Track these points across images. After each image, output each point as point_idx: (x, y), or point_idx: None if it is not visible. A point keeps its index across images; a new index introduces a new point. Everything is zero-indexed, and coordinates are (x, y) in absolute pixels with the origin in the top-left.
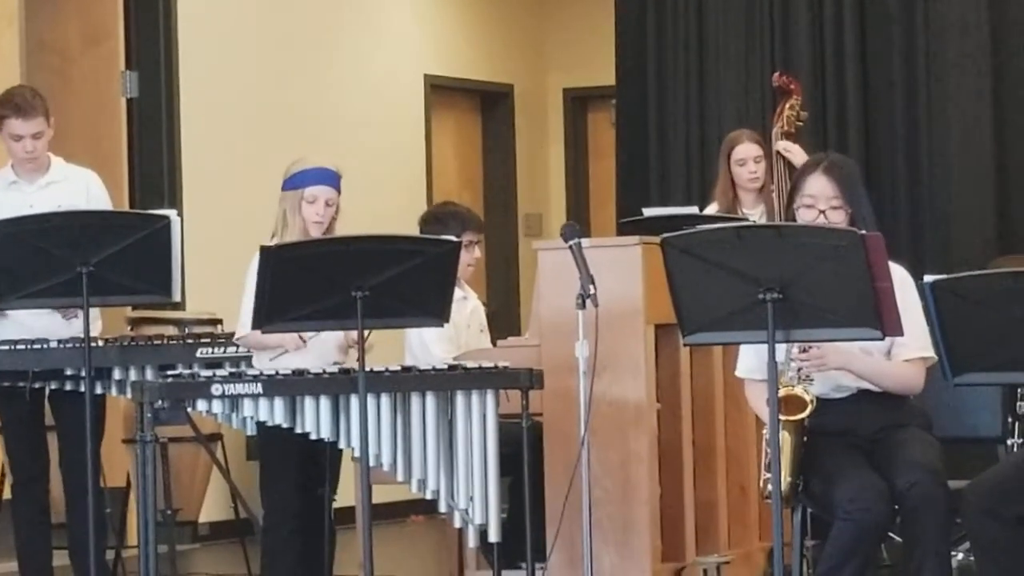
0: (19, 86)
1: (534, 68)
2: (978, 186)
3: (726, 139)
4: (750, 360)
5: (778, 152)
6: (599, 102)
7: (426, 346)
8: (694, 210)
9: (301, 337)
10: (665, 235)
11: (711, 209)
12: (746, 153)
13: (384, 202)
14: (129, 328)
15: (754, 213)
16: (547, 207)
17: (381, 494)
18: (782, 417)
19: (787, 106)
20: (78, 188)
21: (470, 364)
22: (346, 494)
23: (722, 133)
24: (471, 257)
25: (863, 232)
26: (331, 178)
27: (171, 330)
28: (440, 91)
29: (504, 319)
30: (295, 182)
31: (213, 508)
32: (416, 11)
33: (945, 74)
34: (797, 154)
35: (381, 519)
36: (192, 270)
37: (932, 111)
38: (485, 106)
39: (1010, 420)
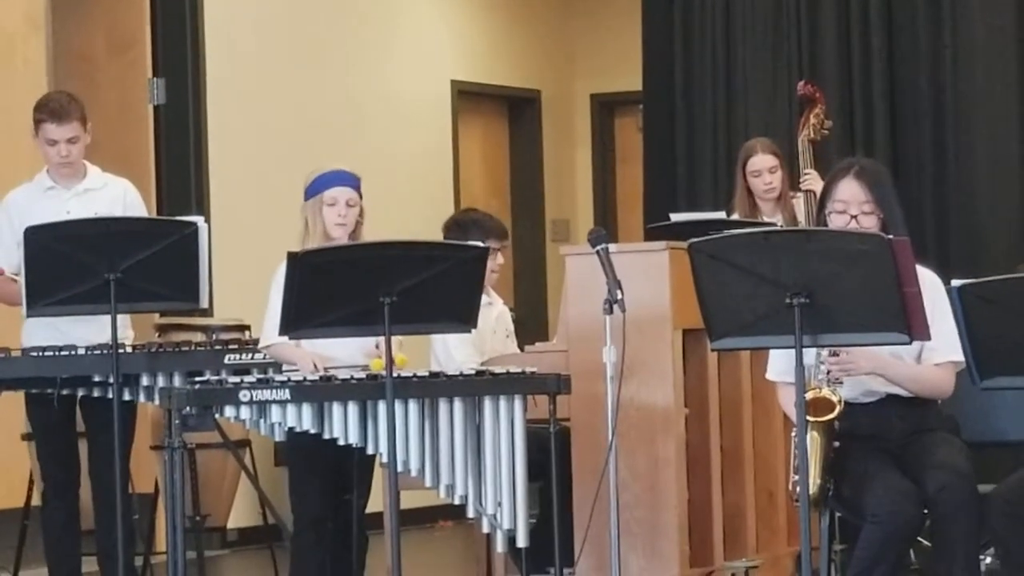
0: (56, 91)
1: (561, 74)
2: (1006, 190)
3: (741, 149)
4: (781, 363)
5: (806, 191)
6: (626, 107)
7: (448, 351)
8: (721, 215)
9: (315, 364)
10: (692, 240)
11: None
12: (761, 164)
13: (411, 208)
14: (157, 334)
15: (773, 222)
16: (574, 212)
17: (410, 499)
18: (810, 419)
19: (812, 114)
20: (115, 196)
21: (497, 369)
22: (375, 500)
23: (749, 138)
24: (494, 264)
25: (890, 236)
26: (350, 179)
27: (199, 336)
28: (467, 97)
29: (532, 325)
30: (314, 188)
31: (242, 514)
32: (443, 17)
33: (972, 79)
34: (815, 180)
35: (410, 524)
36: (220, 276)
37: (959, 116)
38: (512, 112)
39: None
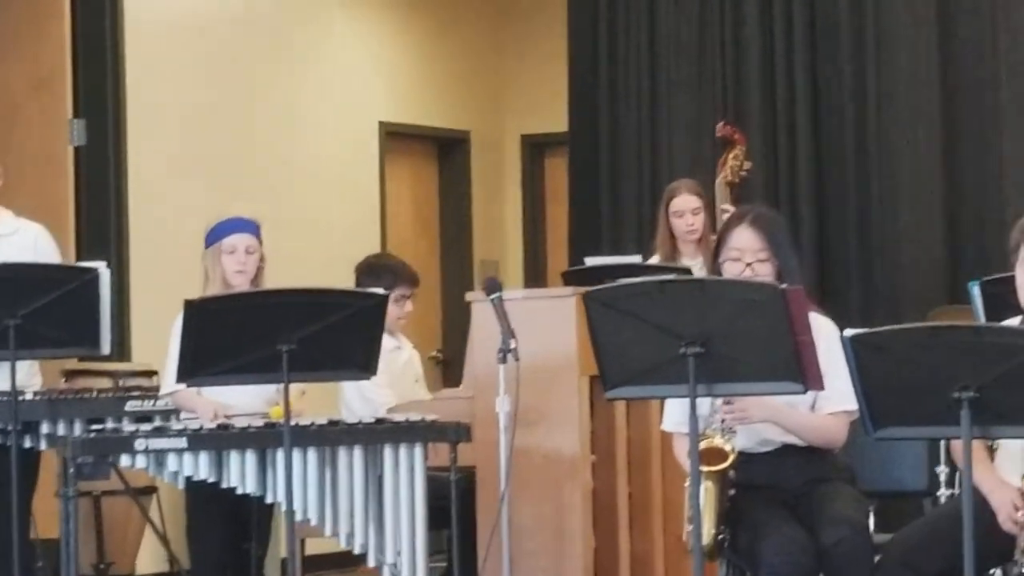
0: None
1: (491, 114)
2: (929, 237)
3: (666, 190)
4: (676, 414)
5: (722, 209)
6: (556, 148)
7: (364, 395)
8: (637, 259)
9: (215, 412)
10: (587, 289)
11: (654, 260)
12: (684, 205)
13: (338, 249)
14: (63, 379)
15: (694, 264)
16: (504, 254)
17: (332, 543)
18: (703, 469)
19: (731, 156)
20: (25, 243)
21: (398, 417)
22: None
23: (673, 179)
24: (402, 311)
25: (783, 286)
26: (248, 226)
27: (104, 382)
28: (396, 138)
29: (458, 368)
30: (214, 236)
31: (149, 561)
32: (371, 58)
33: (895, 124)
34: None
35: (332, 568)
36: (139, 321)
37: (882, 161)
38: (442, 152)
39: (948, 471)
